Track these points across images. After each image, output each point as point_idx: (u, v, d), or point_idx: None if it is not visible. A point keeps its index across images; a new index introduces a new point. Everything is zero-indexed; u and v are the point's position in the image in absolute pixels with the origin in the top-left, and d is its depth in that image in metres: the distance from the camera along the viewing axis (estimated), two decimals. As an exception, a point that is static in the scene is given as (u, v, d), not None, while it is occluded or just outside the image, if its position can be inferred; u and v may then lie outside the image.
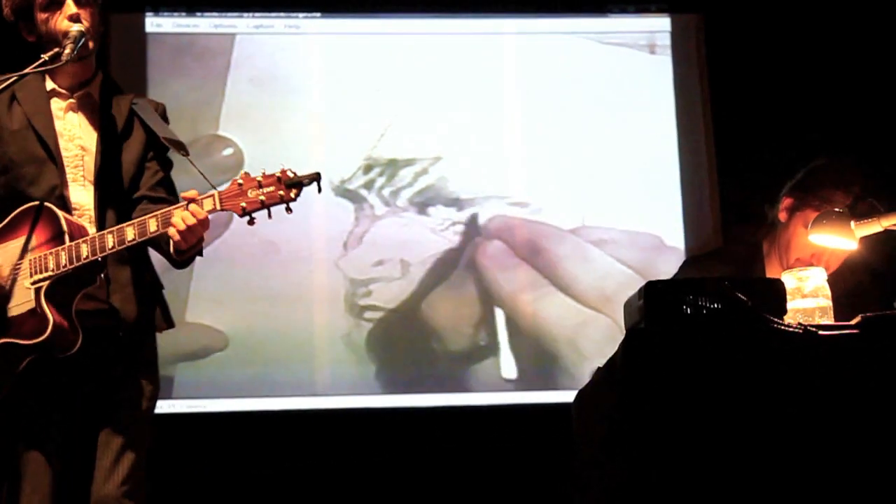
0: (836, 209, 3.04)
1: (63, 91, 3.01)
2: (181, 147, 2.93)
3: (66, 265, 2.78)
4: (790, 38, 5.16)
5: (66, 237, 2.80)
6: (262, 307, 4.94)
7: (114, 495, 2.91)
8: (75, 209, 2.92)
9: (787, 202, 3.32)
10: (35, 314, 2.77)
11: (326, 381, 4.95)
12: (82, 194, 2.94)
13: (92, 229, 2.89)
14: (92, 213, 2.93)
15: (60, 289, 2.80)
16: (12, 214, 2.90)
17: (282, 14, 5.19)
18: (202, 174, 2.80)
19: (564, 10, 5.33)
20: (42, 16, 2.94)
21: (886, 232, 2.90)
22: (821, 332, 2.48)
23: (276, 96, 5.12)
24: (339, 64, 5.19)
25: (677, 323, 2.45)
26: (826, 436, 2.42)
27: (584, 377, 4.91)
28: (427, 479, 4.84)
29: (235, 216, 2.76)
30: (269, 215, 2.74)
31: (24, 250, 2.83)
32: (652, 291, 2.49)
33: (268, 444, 4.84)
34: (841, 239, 2.99)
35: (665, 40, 5.32)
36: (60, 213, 2.84)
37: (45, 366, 2.82)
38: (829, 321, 2.72)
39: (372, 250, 5.06)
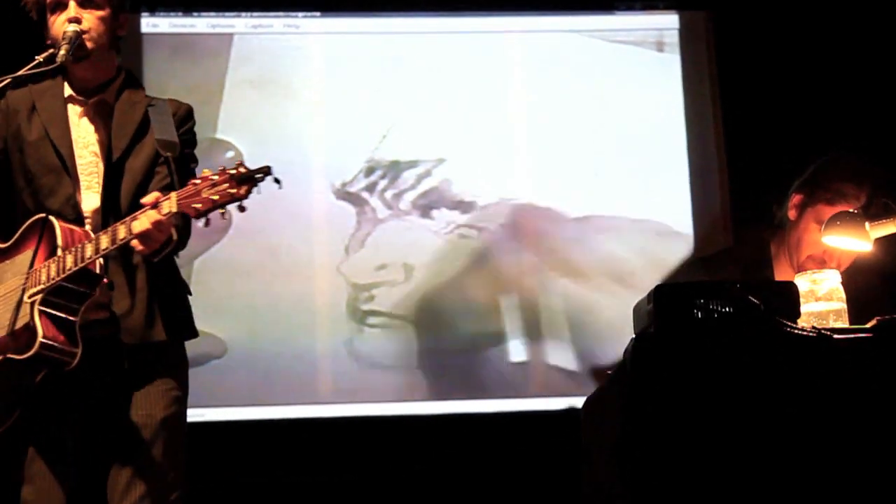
0: (850, 210, 3.04)
1: (79, 97, 3.03)
2: (169, 147, 2.89)
3: (54, 277, 2.79)
4: (801, 35, 5.15)
5: (59, 249, 2.81)
6: (262, 313, 4.94)
7: None
8: (87, 217, 2.95)
9: (796, 199, 3.31)
10: (28, 328, 2.78)
11: (329, 388, 4.94)
12: (94, 201, 2.96)
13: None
14: (99, 216, 2.95)
15: (60, 301, 2.80)
16: (21, 228, 2.94)
17: (281, 13, 5.19)
18: (173, 175, 2.78)
19: (570, 7, 5.32)
20: (50, 18, 2.97)
21: (900, 232, 2.90)
22: (835, 336, 2.48)
23: (276, 98, 5.13)
24: (340, 64, 5.19)
25: (687, 327, 2.45)
26: (841, 442, 2.41)
27: (595, 359, 4.95)
28: (435, 489, 4.84)
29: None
30: (223, 216, 2.67)
31: (30, 264, 2.86)
32: (662, 295, 2.49)
33: (269, 453, 4.84)
34: (855, 240, 2.98)
35: (673, 38, 5.32)
36: (57, 224, 2.85)
37: (56, 380, 2.82)
38: (844, 325, 2.72)
39: (374, 254, 5.06)
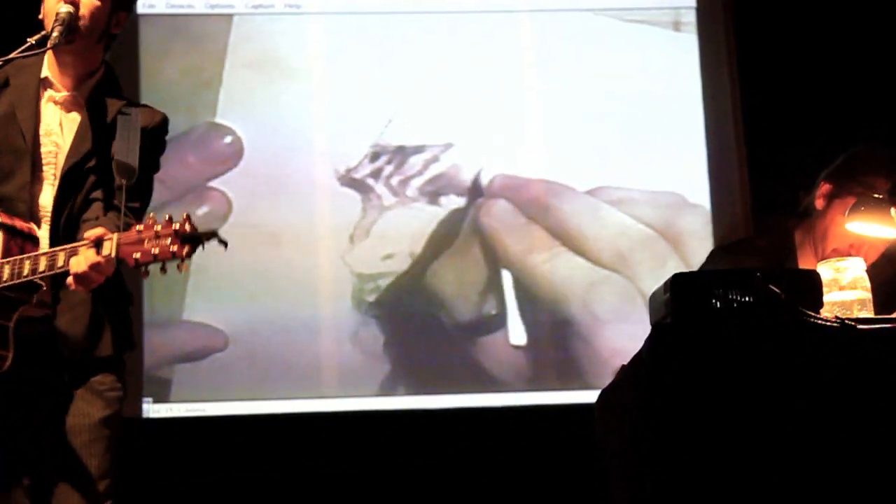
0: (876, 195, 3.02)
1: (54, 82, 3.02)
2: (125, 173, 2.86)
3: None
4: (822, 13, 5.13)
5: None
6: (265, 304, 4.94)
7: None
8: (39, 210, 2.94)
9: (825, 188, 3.28)
10: None
11: (333, 382, 4.95)
12: (48, 194, 2.95)
13: (44, 233, 2.90)
14: (51, 215, 2.94)
15: None
16: None
17: (282, -7, 5.19)
18: (121, 210, 2.76)
19: (582, -16, 5.32)
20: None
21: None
22: (860, 327, 2.47)
23: (277, 80, 5.12)
24: (344, 45, 5.18)
25: (706, 317, 2.44)
26: (866, 436, 2.40)
27: (597, 341, 4.96)
28: (442, 483, 4.84)
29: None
30: (163, 269, 2.63)
31: None
32: (679, 284, 2.48)
33: (272, 449, 4.85)
34: (881, 227, 2.97)
35: (690, 17, 5.29)
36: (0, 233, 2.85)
37: None
38: (869, 314, 2.71)
39: (380, 243, 5.05)
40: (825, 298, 2.58)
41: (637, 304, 4.94)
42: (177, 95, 5.00)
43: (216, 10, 5.16)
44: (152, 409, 4.82)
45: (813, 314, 2.46)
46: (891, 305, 2.76)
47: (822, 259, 3.18)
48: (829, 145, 3.42)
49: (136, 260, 2.62)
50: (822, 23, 5.12)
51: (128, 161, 2.90)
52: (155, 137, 3.08)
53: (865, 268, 2.84)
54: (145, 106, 3.13)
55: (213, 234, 2.64)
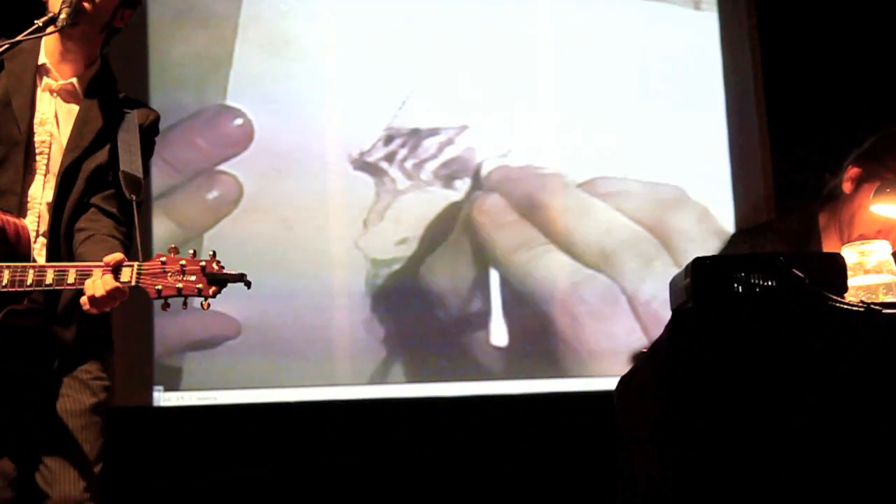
0: (902, 177, 3.02)
1: (51, 69, 3.02)
2: (134, 188, 2.90)
3: None
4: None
5: None
6: (277, 291, 4.95)
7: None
8: (28, 200, 2.95)
9: (853, 171, 3.26)
10: None
11: (347, 369, 4.97)
12: (38, 186, 2.96)
13: (32, 225, 2.91)
14: (42, 206, 2.94)
15: None
16: None
17: (293, -28, 5.19)
18: (134, 223, 2.80)
19: (601, -38, 5.32)
20: None
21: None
22: (885, 311, 2.47)
23: (289, 61, 5.13)
24: (357, 24, 5.18)
25: (727, 302, 2.44)
26: (892, 423, 2.41)
27: (577, 343, 4.98)
28: (455, 471, 4.86)
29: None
30: (185, 305, 2.69)
31: None
32: (700, 268, 2.48)
33: (284, 438, 4.87)
34: (908, 210, 2.96)
35: (711, -6, 5.31)
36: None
37: None
38: (895, 299, 2.71)
39: (394, 228, 5.06)
40: (850, 282, 2.57)
41: (619, 304, 4.98)
42: (186, 77, 5.01)
43: (226, -10, 5.17)
44: (163, 398, 4.84)
45: (837, 298, 2.46)
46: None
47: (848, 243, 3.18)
48: (855, 126, 3.41)
49: (158, 292, 2.67)
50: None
51: (133, 172, 2.93)
52: (148, 138, 3.11)
53: (892, 251, 2.84)
54: (139, 102, 3.16)
55: (240, 277, 2.70)
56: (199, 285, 2.67)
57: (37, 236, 2.93)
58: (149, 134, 3.12)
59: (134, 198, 2.88)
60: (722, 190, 5.18)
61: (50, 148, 2.97)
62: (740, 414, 2.39)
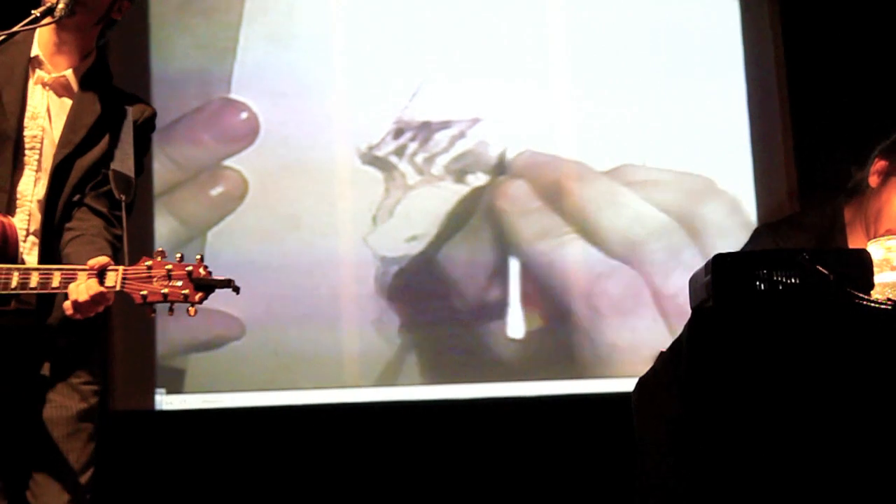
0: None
1: (44, 61, 3.02)
2: (125, 188, 2.91)
3: None
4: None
5: None
6: (283, 290, 4.95)
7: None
8: (18, 197, 2.95)
9: (880, 165, 3.26)
10: None
11: (355, 371, 4.97)
12: (29, 182, 2.96)
13: (22, 223, 2.91)
14: (33, 204, 2.95)
15: None
16: None
17: (299, -40, 5.19)
18: (123, 222, 2.80)
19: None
20: None
21: None
22: (913, 309, 2.46)
23: (294, 53, 5.12)
24: (364, 15, 5.18)
25: (749, 300, 2.44)
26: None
27: (597, 337, 4.97)
28: (467, 477, 4.86)
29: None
30: (171, 311, 2.69)
31: None
32: (720, 265, 2.47)
33: (290, 442, 4.87)
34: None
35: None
36: None
37: None
38: (923, 296, 2.70)
39: (404, 224, 5.06)
40: (876, 279, 2.57)
41: (643, 298, 4.97)
42: (189, 70, 5.01)
43: (230, -21, 5.17)
44: (165, 401, 4.85)
45: (863, 296, 2.45)
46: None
47: (875, 238, 3.17)
48: (882, 118, 3.40)
49: (143, 297, 2.67)
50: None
51: (124, 171, 2.93)
52: (143, 135, 3.10)
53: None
54: (135, 97, 3.16)
55: (227, 283, 2.69)
56: (186, 291, 2.66)
57: (27, 235, 2.93)
58: (144, 131, 3.11)
59: (123, 198, 2.88)
60: (745, 183, 5.16)
61: (42, 143, 2.97)
62: (763, 417, 2.39)
